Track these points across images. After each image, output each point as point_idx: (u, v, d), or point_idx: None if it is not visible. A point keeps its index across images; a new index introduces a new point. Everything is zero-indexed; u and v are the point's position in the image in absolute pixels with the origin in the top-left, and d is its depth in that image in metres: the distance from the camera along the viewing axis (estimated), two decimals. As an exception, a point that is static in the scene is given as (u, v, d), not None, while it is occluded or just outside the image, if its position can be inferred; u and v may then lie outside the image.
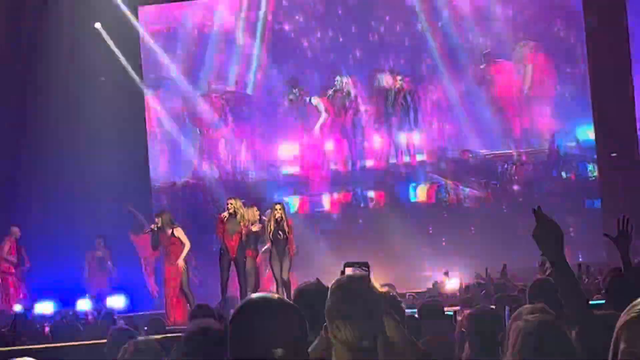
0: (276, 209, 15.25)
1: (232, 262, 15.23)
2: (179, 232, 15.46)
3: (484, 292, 12.15)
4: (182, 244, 15.42)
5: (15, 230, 18.12)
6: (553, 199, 19.30)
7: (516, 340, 3.48)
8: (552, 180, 19.87)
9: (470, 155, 20.12)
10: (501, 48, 20.19)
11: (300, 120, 20.60)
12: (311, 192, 20.51)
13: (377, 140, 20.52)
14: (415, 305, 8.41)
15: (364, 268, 3.87)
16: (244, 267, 15.24)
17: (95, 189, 19.19)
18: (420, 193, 20.37)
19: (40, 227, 18.80)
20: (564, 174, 19.87)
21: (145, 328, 9.63)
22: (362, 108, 20.50)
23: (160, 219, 15.54)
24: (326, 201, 20.60)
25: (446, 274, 15.33)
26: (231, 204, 15.34)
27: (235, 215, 15.18)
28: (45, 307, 16.33)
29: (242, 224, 15.23)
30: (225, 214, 15.24)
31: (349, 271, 3.89)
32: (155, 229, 15.52)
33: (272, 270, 15.20)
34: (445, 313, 7.88)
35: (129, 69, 20.19)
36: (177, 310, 15.13)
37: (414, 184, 20.37)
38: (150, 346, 5.37)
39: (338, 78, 20.48)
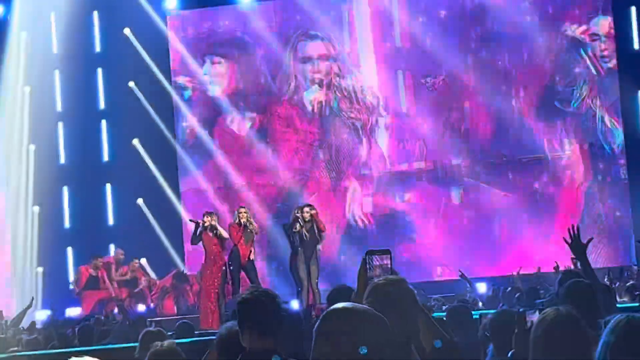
0: (304, 211, 15.26)
1: (241, 269, 15.20)
2: (223, 234, 15.40)
3: (517, 295, 12.09)
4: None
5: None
6: (588, 202, 19.24)
7: (534, 333, 3.50)
8: (588, 182, 19.71)
9: (505, 158, 20.01)
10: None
11: (327, 123, 20.56)
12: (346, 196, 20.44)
13: (407, 143, 20.42)
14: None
15: (385, 255, 3.88)
16: (255, 274, 15.25)
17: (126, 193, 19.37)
18: (454, 196, 20.27)
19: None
20: (599, 177, 19.72)
21: (171, 333, 9.57)
22: (390, 110, 20.46)
23: (209, 217, 15.46)
24: (361, 204, 20.50)
25: (462, 276, 15.20)
26: (243, 212, 15.36)
27: (247, 225, 15.19)
28: (74, 311, 16.45)
29: (254, 233, 15.34)
30: (244, 220, 15.24)
31: (376, 259, 3.89)
32: (202, 226, 15.41)
33: (297, 272, 15.11)
34: (473, 316, 7.84)
35: (159, 75, 20.27)
36: (214, 316, 14.94)
37: (449, 187, 20.26)
38: (172, 349, 5.40)
39: (366, 80, 20.47)
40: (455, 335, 6.53)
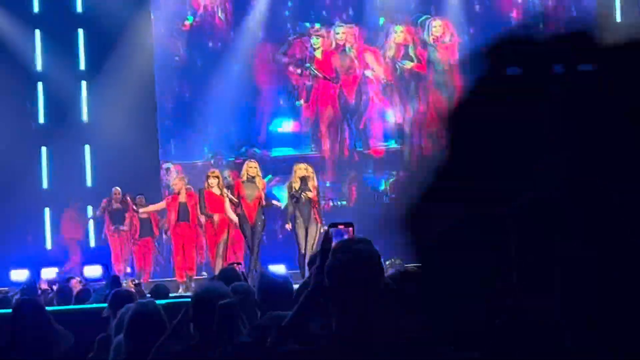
0: (300, 168, 14.18)
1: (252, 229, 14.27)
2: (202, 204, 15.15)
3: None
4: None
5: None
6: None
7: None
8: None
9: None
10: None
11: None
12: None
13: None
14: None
15: (348, 228, 3.88)
16: (260, 236, 14.41)
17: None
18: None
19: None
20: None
21: (149, 295, 9.67)
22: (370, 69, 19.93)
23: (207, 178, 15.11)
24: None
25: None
26: (251, 167, 14.52)
27: (254, 180, 14.35)
28: (49, 273, 16.42)
29: (260, 189, 14.39)
30: (252, 175, 14.31)
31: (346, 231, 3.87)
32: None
33: (297, 238, 14.13)
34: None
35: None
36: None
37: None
38: (151, 308, 5.36)
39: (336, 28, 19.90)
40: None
